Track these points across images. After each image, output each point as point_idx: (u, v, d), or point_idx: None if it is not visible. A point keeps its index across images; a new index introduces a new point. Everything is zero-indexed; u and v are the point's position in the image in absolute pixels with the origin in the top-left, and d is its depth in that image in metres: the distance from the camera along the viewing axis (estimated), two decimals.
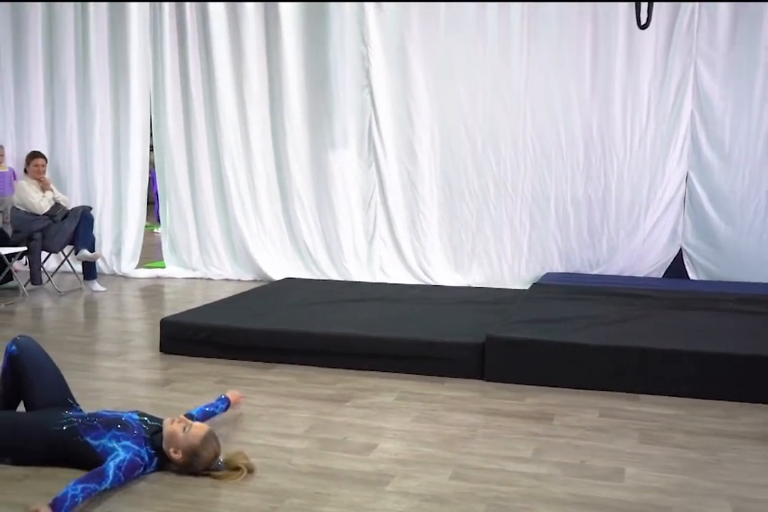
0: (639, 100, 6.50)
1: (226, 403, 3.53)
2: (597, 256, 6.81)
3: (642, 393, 3.95)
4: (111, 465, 2.74)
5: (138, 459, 2.83)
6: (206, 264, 7.74)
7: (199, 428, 2.91)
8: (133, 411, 3.10)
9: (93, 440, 2.87)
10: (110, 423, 2.92)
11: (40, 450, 2.94)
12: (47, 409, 3.08)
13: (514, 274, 6.97)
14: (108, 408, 3.20)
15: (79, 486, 2.58)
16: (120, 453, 2.80)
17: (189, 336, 4.69)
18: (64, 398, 3.20)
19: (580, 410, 3.71)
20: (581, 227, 6.80)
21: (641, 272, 6.67)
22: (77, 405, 3.23)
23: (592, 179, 6.70)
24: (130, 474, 2.79)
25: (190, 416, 3.23)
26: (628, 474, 2.93)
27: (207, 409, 3.41)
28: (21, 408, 3.22)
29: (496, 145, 6.86)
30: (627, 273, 6.68)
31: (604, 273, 6.71)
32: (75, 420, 2.96)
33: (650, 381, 3.97)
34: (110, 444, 2.84)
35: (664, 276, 6.66)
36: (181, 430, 2.88)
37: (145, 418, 3.04)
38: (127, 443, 2.85)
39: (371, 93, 7.04)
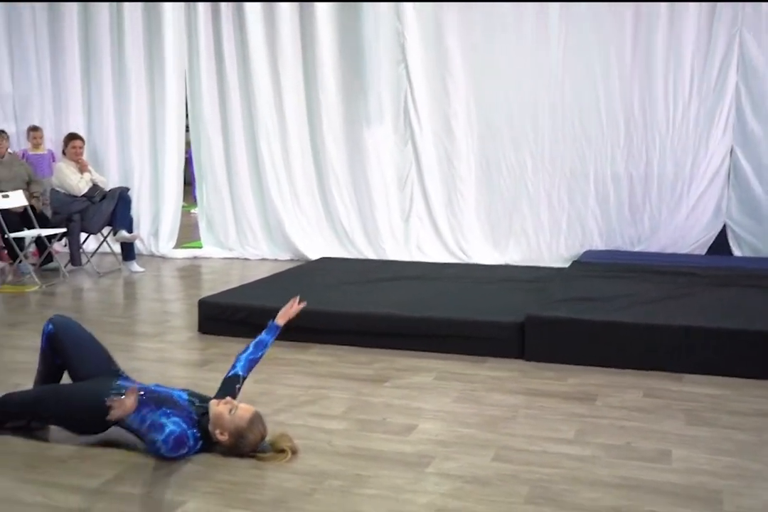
0: (682, 72, 6.31)
1: (276, 333, 3.34)
2: (638, 233, 6.68)
3: (686, 372, 3.87)
4: (168, 428, 2.77)
5: (185, 437, 2.83)
6: (243, 245, 7.75)
7: (246, 410, 2.88)
8: (183, 390, 3.08)
9: (143, 415, 2.87)
10: (161, 401, 2.91)
11: (88, 420, 2.96)
12: (94, 379, 3.09)
13: (553, 252, 6.87)
14: (159, 383, 3.17)
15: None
16: (170, 426, 2.81)
17: (227, 316, 4.69)
18: (108, 367, 3.20)
19: (623, 390, 3.64)
20: (622, 203, 6.66)
21: (684, 249, 6.52)
22: (123, 372, 3.23)
23: (633, 154, 6.55)
24: (176, 447, 2.80)
25: (236, 376, 3.15)
26: (676, 456, 2.87)
27: (252, 357, 3.22)
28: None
29: (534, 119, 6.73)
30: (669, 251, 6.53)
31: (646, 251, 6.58)
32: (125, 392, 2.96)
33: (694, 361, 3.89)
34: (160, 420, 2.83)
35: (707, 252, 6.51)
36: (227, 412, 2.85)
37: (195, 399, 3.01)
38: (177, 420, 2.85)
39: (407, 68, 6.95)
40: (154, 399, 2.91)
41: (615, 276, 5.23)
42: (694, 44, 6.24)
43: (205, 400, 3.02)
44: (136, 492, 2.62)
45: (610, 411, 3.37)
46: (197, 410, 2.95)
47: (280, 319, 3.38)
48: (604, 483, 2.66)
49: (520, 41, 6.63)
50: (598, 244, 6.76)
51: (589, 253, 6.51)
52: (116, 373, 3.19)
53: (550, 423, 3.23)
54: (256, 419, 2.88)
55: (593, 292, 4.69)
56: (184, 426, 2.85)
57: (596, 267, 5.61)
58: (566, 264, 6.12)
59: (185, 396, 3.02)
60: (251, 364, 3.23)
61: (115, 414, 2.62)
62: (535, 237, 6.92)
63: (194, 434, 2.88)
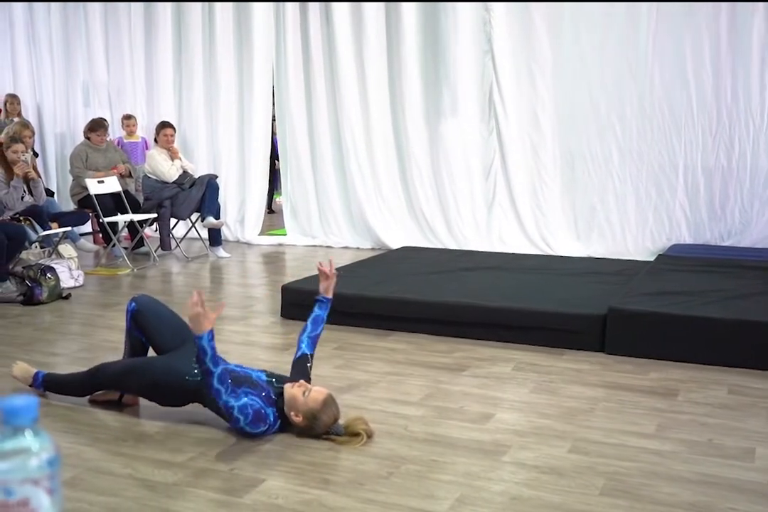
0: None
1: (328, 307, 3.41)
2: (728, 228, 6.50)
3: None
4: (247, 403, 2.84)
5: (264, 413, 2.90)
6: (326, 233, 7.86)
7: (319, 392, 2.94)
8: (262, 371, 3.14)
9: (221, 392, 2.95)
10: (241, 381, 2.97)
11: (171, 394, 3.08)
12: (178, 353, 3.18)
13: (639, 245, 6.75)
14: (238, 363, 3.26)
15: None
16: (248, 402, 2.87)
17: (309, 302, 4.72)
18: (189, 337, 3.26)
19: (706, 386, 3.56)
20: (712, 197, 6.49)
21: None
22: None
23: (725, 146, 6.37)
24: (255, 421, 2.86)
25: (304, 355, 3.22)
26: (759, 455, 2.80)
27: (313, 334, 3.31)
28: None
29: (621, 110, 6.61)
30: (760, 246, 6.34)
31: (736, 245, 6.39)
32: None
33: None
34: (239, 397, 2.89)
35: None
36: (301, 395, 2.91)
37: (273, 379, 3.08)
38: (255, 399, 2.92)
39: (493, 59, 6.91)
40: (233, 379, 2.97)
41: (702, 271, 5.11)
42: None
43: (283, 381, 3.08)
44: (219, 469, 2.71)
45: (692, 406, 3.31)
46: (276, 390, 3.02)
47: (328, 293, 3.40)
48: (682, 478, 2.62)
49: (609, 30, 6.50)
50: (686, 238, 6.60)
51: (676, 247, 6.37)
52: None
53: (629, 416, 3.19)
54: (330, 401, 2.93)
55: (679, 286, 4.59)
56: (262, 403, 2.92)
57: (683, 261, 5.48)
58: (652, 258, 6.00)
59: (264, 376, 3.08)
60: (314, 341, 3.31)
61: (197, 327, 2.66)
62: (621, 229, 6.80)
63: (273, 412, 2.95)
